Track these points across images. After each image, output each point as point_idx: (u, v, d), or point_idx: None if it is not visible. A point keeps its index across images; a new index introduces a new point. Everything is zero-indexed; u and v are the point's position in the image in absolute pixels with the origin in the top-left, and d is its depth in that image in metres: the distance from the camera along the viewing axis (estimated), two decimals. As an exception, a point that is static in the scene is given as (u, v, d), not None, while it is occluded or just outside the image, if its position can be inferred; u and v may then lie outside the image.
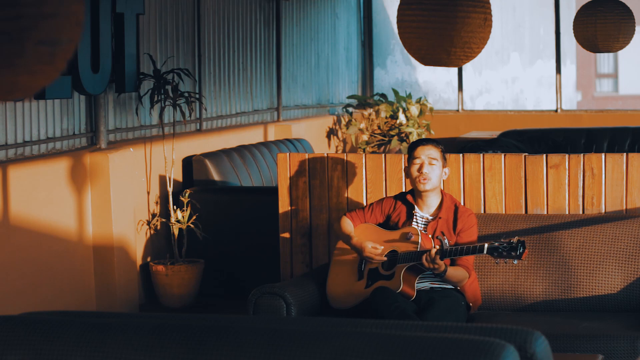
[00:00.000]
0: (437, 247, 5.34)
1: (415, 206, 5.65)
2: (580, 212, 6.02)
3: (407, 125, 11.83)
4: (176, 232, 7.95)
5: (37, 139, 7.07)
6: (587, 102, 29.00)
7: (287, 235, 6.44)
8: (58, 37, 2.14)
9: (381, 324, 2.76)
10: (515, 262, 5.26)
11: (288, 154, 6.44)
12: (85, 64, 7.16)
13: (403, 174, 6.21)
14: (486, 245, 5.26)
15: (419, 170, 5.56)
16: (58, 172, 7.08)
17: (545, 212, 6.06)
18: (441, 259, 5.31)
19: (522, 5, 18.67)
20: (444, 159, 5.63)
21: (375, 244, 5.53)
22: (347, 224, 5.73)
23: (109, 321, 2.74)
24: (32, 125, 7.02)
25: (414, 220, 5.63)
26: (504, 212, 6.09)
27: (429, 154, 5.56)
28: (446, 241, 5.50)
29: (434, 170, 5.56)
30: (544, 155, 6.10)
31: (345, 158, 6.37)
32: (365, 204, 6.27)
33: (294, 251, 6.43)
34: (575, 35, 9.02)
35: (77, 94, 7.35)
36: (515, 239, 5.23)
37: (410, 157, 5.61)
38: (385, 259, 5.52)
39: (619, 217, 5.85)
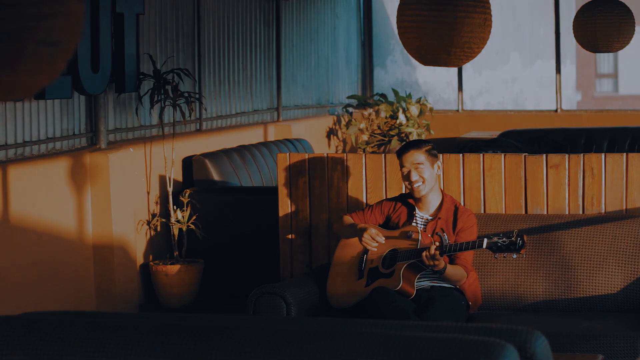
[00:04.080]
0: (437, 243, 5.35)
1: (415, 207, 5.65)
2: (580, 212, 6.02)
3: (407, 125, 11.83)
4: (176, 232, 7.94)
5: (37, 139, 7.07)
6: (587, 102, 28.99)
7: (287, 235, 6.44)
8: (58, 37, 2.13)
9: (381, 324, 2.76)
10: (515, 256, 5.25)
11: (288, 154, 6.43)
12: (85, 64, 7.16)
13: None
14: (485, 239, 5.27)
15: (409, 178, 5.58)
16: (58, 172, 7.08)
17: (545, 212, 6.05)
18: (441, 255, 5.31)
19: (522, 5, 18.66)
20: (433, 155, 5.62)
21: (379, 233, 5.53)
22: (349, 219, 5.75)
23: (109, 321, 2.74)
24: (32, 125, 7.02)
25: (414, 220, 5.63)
26: (504, 212, 6.09)
27: (412, 160, 5.57)
28: (445, 237, 5.50)
29: (424, 172, 5.56)
30: (544, 155, 6.10)
31: (345, 158, 6.37)
32: (365, 204, 6.27)
33: (294, 251, 6.43)
34: (575, 35, 9.02)
35: (77, 94, 7.35)
36: (514, 232, 5.24)
37: (400, 165, 5.64)
38: (375, 249, 5.53)
39: (619, 217, 5.85)
